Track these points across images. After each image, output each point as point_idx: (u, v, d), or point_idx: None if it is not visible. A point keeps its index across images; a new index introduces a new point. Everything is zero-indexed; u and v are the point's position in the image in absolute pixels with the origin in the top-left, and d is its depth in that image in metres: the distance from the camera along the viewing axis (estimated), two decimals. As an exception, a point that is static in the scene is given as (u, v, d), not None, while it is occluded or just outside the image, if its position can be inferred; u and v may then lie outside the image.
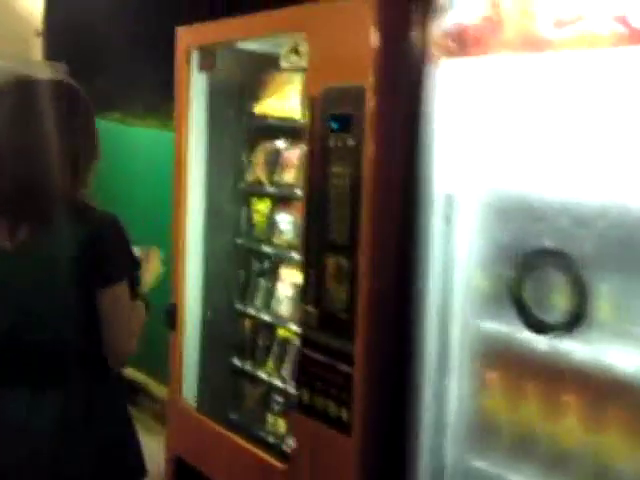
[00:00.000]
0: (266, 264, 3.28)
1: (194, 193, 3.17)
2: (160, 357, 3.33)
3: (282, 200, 3.18)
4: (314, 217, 2.47)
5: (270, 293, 3.20)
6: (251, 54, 3.14)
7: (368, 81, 2.20)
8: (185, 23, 3.07)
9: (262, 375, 3.19)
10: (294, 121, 2.92)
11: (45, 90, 1.87)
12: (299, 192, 2.94)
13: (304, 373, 2.54)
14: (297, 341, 3.07)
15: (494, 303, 2.05)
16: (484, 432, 2.08)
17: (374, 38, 2.17)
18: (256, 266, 3.29)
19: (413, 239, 2.11)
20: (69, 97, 1.90)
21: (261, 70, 3.18)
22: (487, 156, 1.99)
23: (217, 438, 3.02)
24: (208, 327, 3.30)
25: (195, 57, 3.06)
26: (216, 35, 2.92)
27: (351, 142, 2.28)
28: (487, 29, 1.85)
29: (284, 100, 2.97)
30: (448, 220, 2.04)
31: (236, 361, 3.36)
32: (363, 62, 2.22)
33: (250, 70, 3.19)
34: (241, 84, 3.23)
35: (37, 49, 6.31)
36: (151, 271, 2.16)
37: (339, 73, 2.32)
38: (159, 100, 5.51)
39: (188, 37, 3.06)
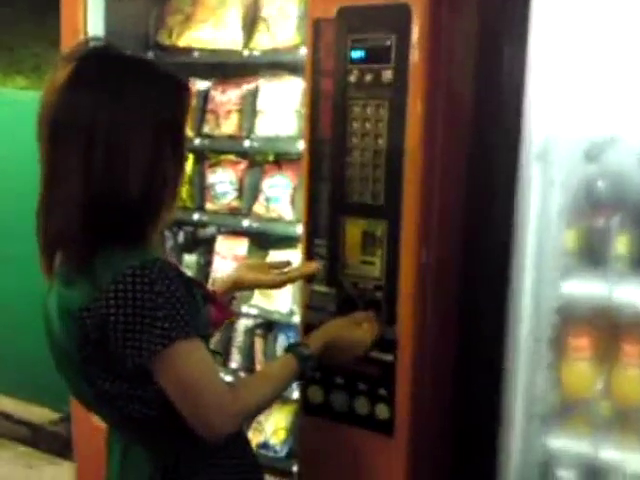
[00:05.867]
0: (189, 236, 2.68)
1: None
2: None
3: (208, 157, 2.59)
4: (320, 175, 1.96)
5: (203, 271, 2.61)
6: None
7: (415, -3, 1.73)
8: None
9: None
10: (236, 55, 2.34)
11: None
12: (247, 144, 2.40)
13: (313, 368, 2.05)
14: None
15: (583, 260, 1.75)
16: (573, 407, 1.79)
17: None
18: (177, 240, 2.67)
19: (491, 191, 1.72)
20: None
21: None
22: (585, 95, 1.65)
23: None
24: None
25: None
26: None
27: (388, 76, 1.80)
28: None
29: (219, 28, 2.36)
30: (545, 167, 1.67)
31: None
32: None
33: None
34: (145, 10, 2.54)
35: None
36: None
37: (363, -12, 1.81)
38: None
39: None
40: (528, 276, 1.75)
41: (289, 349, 1.61)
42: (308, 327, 2.03)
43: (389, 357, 1.90)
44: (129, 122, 1.33)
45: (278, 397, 1.65)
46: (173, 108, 1.41)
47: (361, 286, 1.94)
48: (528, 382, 1.72)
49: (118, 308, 1.30)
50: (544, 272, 1.74)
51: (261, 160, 2.56)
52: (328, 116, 1.92)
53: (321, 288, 1.99)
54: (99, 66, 1.38)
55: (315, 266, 1.96)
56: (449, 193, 1.92)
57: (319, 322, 1.96)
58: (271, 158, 2.60)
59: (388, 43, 1.79)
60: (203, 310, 1.48)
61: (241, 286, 1.92)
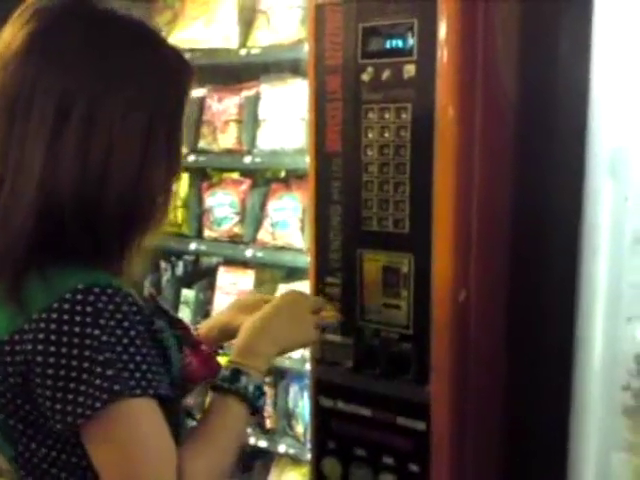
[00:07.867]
0: (190, 267, 2.32)
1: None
2: None
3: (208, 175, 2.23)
4: (329, 197, 1.58)
5: (203, 308, 2.24)
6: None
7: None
8: None
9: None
10: (233, 54, 1.98)
11: None
12: (248, 159, 2.04)
13: (328, 434, 1.67)
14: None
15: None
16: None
17: None
18: (175, 272, 2.31)
19: (545, 213, 1.33)
20: None
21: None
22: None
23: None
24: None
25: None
26: None
27: (410, 72, 1.42)
28: None
29: (212, 24, 2.00)
30: (617, 182, 1.27)
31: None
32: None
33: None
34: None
35: None
36: None
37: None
38: None
39: None
40: (599, 315, 1.36)
41: (216, 387, 1.12)
42: (320, 384, 1.66)
43: (420, 425, 1.52)
44: (113, 103, 0.98)
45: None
46: (174, 91, 1.05)
47: (383, 335, 1.55)
48: (601, 465, 1.32)
49: (48, 345, 0.94)
50: (619, 309, 1.35)
51: (267, 178, 2.19)
52: (337, 124, 1.55)
53: (335, 338, 1.61)
54: (74, 24, 1.00)
55: (336, 317, 1.54)
56: (491, 217, 1.53)
57: (334, 379, 1.61)
58: (282, 175, 2.24)
59: (409, 30, 1.41)
60: (176, 360, 1.10)
61: (231, 332, 1.39)
